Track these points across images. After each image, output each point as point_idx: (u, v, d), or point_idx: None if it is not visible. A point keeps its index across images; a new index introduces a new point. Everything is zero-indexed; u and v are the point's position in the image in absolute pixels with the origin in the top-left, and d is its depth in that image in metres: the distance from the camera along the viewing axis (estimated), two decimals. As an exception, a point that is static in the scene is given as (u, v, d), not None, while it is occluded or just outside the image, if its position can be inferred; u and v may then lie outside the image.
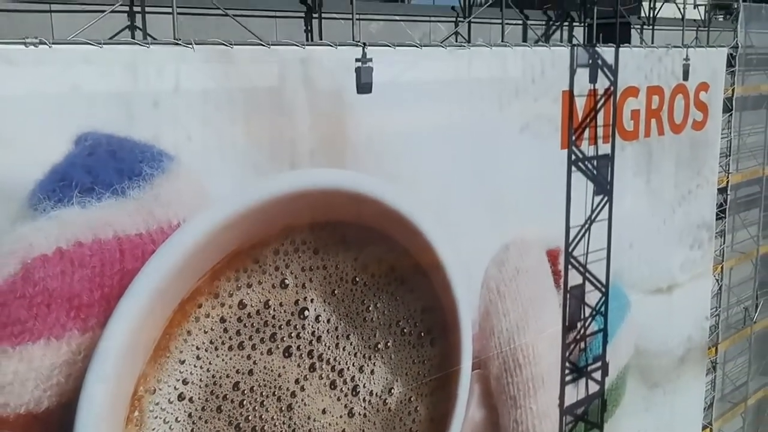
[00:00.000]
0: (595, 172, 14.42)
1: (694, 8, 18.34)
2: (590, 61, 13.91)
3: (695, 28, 17.83)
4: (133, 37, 9.18)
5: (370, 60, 10.29)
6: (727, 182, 18.51)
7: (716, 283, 18.95)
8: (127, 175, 8.35)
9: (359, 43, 10.25)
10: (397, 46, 10.76)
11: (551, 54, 13.25)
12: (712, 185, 17.92)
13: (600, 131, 14.43)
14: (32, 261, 7.76)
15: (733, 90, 18.09)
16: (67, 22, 8.77)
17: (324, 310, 10.41)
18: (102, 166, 8.17)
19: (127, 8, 8.97)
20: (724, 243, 18.98)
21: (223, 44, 8.97)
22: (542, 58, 13.10)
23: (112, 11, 8.86)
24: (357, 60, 10.20)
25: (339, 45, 10.10)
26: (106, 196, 8.20)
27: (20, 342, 7.76)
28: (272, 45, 9.44)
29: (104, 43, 8.05)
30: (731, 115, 18.30)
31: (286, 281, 9.96)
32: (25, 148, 7.64)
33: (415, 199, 11.12)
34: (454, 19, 12.84)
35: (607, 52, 14.23)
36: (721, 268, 18.90)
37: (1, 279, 7.61)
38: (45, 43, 7.60)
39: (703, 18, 17.89)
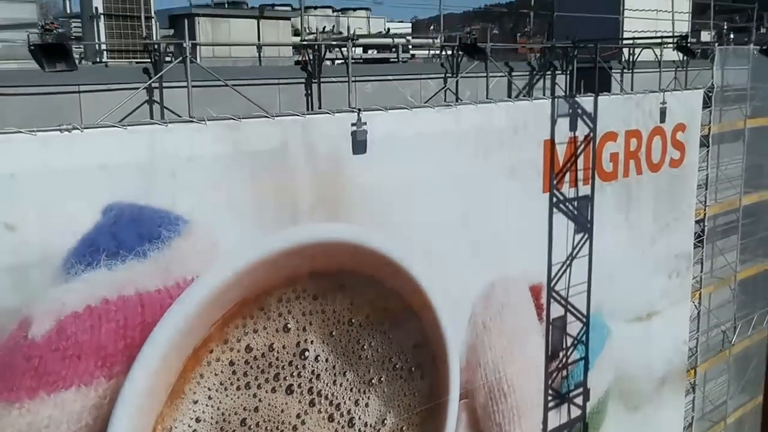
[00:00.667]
0: (575, 212, 15.47)
1: (673, 50, 19.38)
2: (570, 111, 14.97)
3: (673, 69, 18.90)
4: (151, 110, 10.24)
5: (365, 123, 11.34)
6: (704, 214, 19.54)
7: (695, 309, 19.98)
8: (147, 238, 9.40)
9: (354, 109, 11.31)
10: (390, 109, 11.81)
11: (533, 106, 14.31)
12: (690, 217, 18.96)
13: (580, 174, 15.49)
14: (65, 318, 8.82)
15: (709, 128, 19.14)
16: (93, 97, 9.84)
17: (323, 350, 11.46)
18: (126, 232, 9.22)
19: (147, 85, 10.01)
20: (702, 270, 20.01)
21: (232, 118, 10.02)
22: (525, 110, 14.17)
23: (130, 87, 9.94)
24: (353, 124, 11.25)
25: (336, 112, 11.16)
26: (129, 258, 9.25)
27: (55, 390, 8.81)
28: (276, 116, 10.49)
29: (129, 125, 9.11)
30: (708, 150, 19.34)
31: (289, 325, 11.01)
32: (60, 221, 8.69)
33: (406, 246, 12.16)
34: (443, 75, 13.89)
35: (586, 101, 15.29)
36: (699, 294, 19.93)
37: (39, 335, 8.66)
38: (77, 128, 8.66)
39: (680, 59, 18.93)
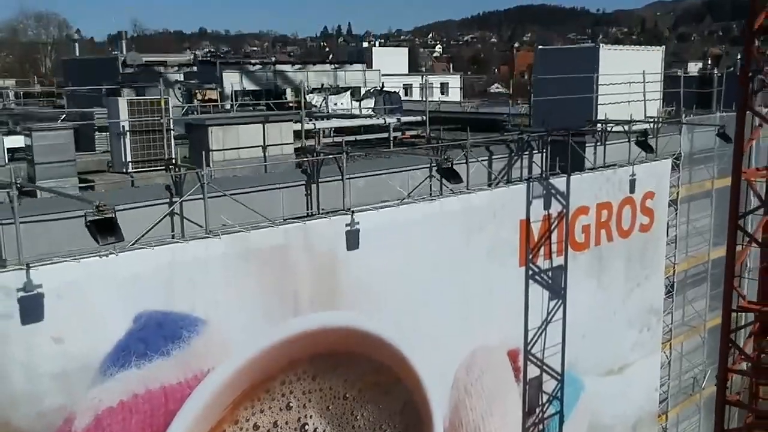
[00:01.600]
0: (550, 281, 17.07)
1: (645, 118, 21.03)
2: (544, 192, 16.58)
3: (644, 138, 20.49)
4: (172, 221, 11.82)
5: (357, 223, 12.94)
6: (674, 270, 21.15)
7: (666, 357, 21.57)
8: (170, 339, 10.98)
9: (347, 211, 12.90)
10: (379, 207, 13.40)
11: (510, 191, 15.93)
12: (660, 274, 20.56)
13: (554, 246, 17.08)
14: (101, 413, 10.39)
15: (678, 192, 20.76)
16: (124, 214, 11.41)
17: (320, 423, 13.03)
18: (152, 335, 10.80)
19: (170, 210, 11.58)
20: (672, 321, 21.60)
21: (242, 230, 11.61)
22: (502, 195, 15.78)
23: (155, 204, 11.54)
24: (346, 224, 12.85)
25: (331, 214, 12.75)
26: (155, 357, 10.82)
27: (94, 473, 10.37)
28: (279, 224, 12.08)
29: (155, 245, 10.70)
30: (677, 211, 20.96)
31: (291, 404, 12.59)
32: (98, 331, 10.27)
33: (395, 324, 13.74)
34: (428, 165, 15.48)
35: (559, 181, 16.90)
36: (670, 344, 21.52)
37: (80, 428, 10.22)
38: (113, 253, 10.24)
39: (650, 127, 20.54)
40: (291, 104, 25.25)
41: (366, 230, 13.08)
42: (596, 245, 18.24)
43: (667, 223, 20.68)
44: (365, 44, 75.11)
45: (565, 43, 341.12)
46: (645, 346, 20.35)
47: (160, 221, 11.56)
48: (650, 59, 22.06)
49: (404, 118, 19.21)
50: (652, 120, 20.57)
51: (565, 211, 17.08)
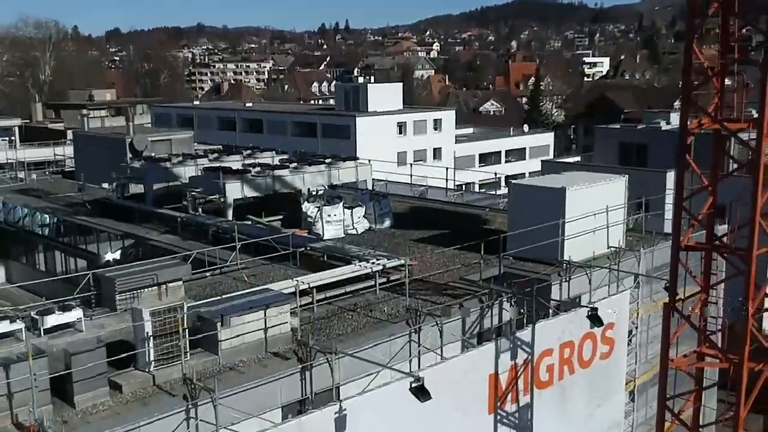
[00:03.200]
0: (517, 421, 19.38)
1: (608, 248, 23.31)
2: (511, 345, 18.85)
3: (607, 265, 22.73)
4: (188, 425, 14.10)
5: (345, 409, 15.19)
6: (634, 384, 23.46)
7: (629, 463, 23.91)
8: None
9: (336, 402, 15.16)
10: (363, 392, 15.67)
11: (479, 352, 18.20)
12: (620, 392, 22.85)
13: (521, 388, 19.37)
14: None
15: (638, 313, 23.04)
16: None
17: None
18: None
19: (185, 417, 13.87)
20: (634, 423, 23.92)
21: (247, 437, 13.90)
22: (473, 356, 18.05)
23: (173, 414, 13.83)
24: (335, 413, 15.12)
25: (323, 407, 15.02)
26: None
27: None
28: (278, 424, 14.34)
29: (175, 466, 12.98)
30: (637, 330, 23.23)
31: None
32: None
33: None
34: (407, 332, 17.74)
35: (525, 332, 19.17)
36: (633, 446, 23.87)
37: None
38: (141, 479, 12.52)
39: (613, 260, 22.79)
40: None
41: (352, 413, 15.34)
42: (559, 380, 20.52)
43: (628, 341, 22.96)
44: (360, 79, 77.31)
45: (562, 42, 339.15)
46: (607, 456, 22.66)
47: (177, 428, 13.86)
48: (615, 189, 24.26)
49: (389, 263, 21.35)
50: (613, 251, 22.80)
51: (530, 357, 19.36)
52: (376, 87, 69.69)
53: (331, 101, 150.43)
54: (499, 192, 75.74)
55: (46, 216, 32.48)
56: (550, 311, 20.43)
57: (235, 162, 33.53)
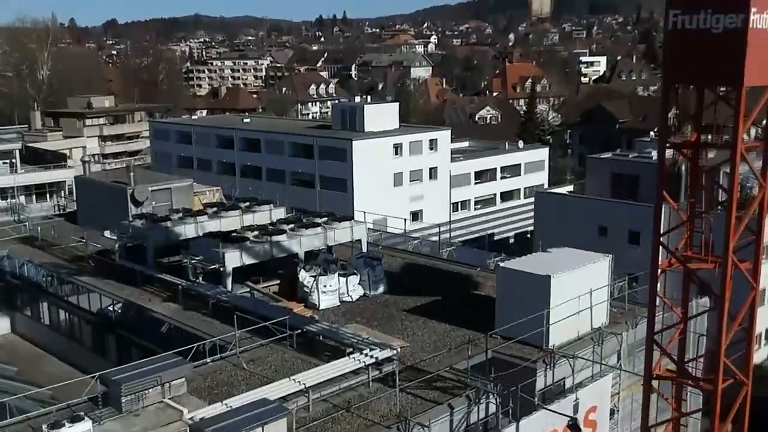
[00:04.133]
0: None
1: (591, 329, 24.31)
2: (496, 444, 19.91)
3: (590, 351, 23.76)
4: None
5: None
6: (617, 459, 24.55)
7: None
8: None
9: None
10: None
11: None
12: (603, 467, 23.95)
13: (506, 481, 20.44)
14: None
15: (618, 396, 24.10)
16: None
17: None
18: None
19: None
20: (616, 496, 25.04)
21: None
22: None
23: None
24: None
25: None
26: None
27: None
28: None
29: None
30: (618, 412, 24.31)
31: None
32: None
33: None
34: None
35: (510, 429, 20.21)
36: None
37: None
38: None
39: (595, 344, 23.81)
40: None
41: None
42: (544, 468, 21.59)
43: (610, 416, 24.05)
44: (357, 99, 77.60)
45: (560, 34, 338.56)
46: None
47: None
48: (599, 270, 25.24)
49: (381, 355, 22.31)
50: (595, 334, 23.81)
51: (516, 459, 20.42)
52: (372, 108, 70.38)
53: (329, 104, 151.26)
54: (494, 208, 77.29)
55: (50, 274, 33.39)
56: (535, 403, 21.47)
57: (233, 217, 34.49)
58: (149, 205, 37.97)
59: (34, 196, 65.71)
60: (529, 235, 72.88)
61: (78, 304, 32.45)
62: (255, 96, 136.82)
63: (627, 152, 58.20)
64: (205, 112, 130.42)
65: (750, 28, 14.73)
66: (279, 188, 70.59)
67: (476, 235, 74.93)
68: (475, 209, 75.78)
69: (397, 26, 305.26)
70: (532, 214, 59.66)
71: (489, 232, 75.94)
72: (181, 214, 34.07)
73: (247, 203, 36.39)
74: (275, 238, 30.35)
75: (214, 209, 35.28)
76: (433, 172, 70.80)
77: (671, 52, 16.13)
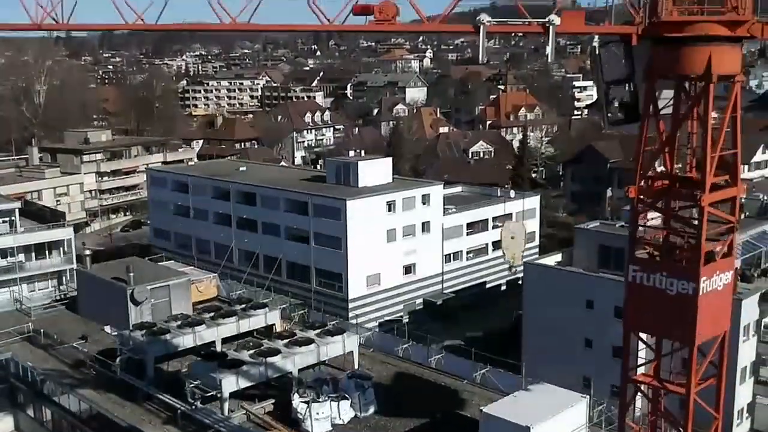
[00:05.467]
0: None
1: None
2: None
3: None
4: None
5: None
6: None
7: None
8: None
9: None
10: None
11: None
12: None
13: None
14: None
15: None
16: None
17: None
18: None
19: None
20: None
21: None
22: None
23: None
24: None
25: None
26: None
27: None
28: None
29: None
30: None
31: None
32: None
33: None
34: None
35: None
36: None
37: None
38: None
39: None
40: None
41: None
42: None
43: None
44: (351, 152, 78.82)
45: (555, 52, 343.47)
46: None
47: None
48: (576, 413, 26.60)
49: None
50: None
51: None
52: (366, 164, 71.59)
53: (324, 131, 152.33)
54: (486, 257, 78.42)
55: (52, 384, 34.61)
56: None
57: (230, 324, 35.81)
58: (148, 303, 39.21)
59: (33, 254, 67.03)
60: (520, 281, 74.21)
61: (80, 414, 33.69)
62: (251, 126, 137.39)
63: (614, 222, 59.43)
64: (201, 142, 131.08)
65: (700, 295, 16.03)
66: (275, 241, 72.08)
67: (469, 284, 76.42)
68: (467, 259, 76.98)
69: (392, 40, 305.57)
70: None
71: (481, 281, 77.39)
72: (179, 322, 35.33)
73: (243, 306, 37.67)
74: (270, 359, 31.63)
75: (211, 314, 36.54)
76: (425, 226, 72.01)
77: (631, 302, 17.44)
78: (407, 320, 68.98)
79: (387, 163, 73.75)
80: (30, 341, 39.59)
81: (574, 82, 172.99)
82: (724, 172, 17.12)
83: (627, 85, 18.27)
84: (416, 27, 25.29)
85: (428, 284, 73.02)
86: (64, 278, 57.12)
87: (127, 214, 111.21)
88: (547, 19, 17.60)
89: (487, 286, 78.26)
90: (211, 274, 46.48)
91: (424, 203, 71.83)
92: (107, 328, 39.56)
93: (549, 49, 17.91)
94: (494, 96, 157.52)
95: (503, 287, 79.41)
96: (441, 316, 70.74)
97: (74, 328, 40.77)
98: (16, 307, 45.36)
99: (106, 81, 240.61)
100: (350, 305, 66.70)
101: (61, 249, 67.28)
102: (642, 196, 17.58)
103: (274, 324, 37.57)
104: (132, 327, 35.80)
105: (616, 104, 18.73)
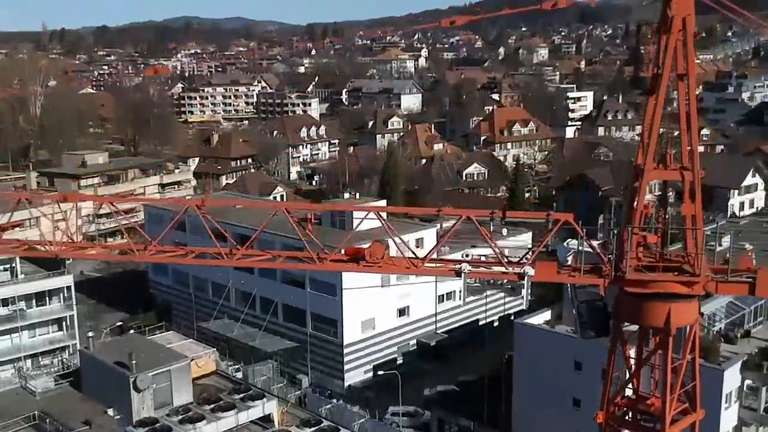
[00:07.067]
0: None
1: None
2: None
3: None
4: None
5: None
6: None
7: None
8: None
9: None
10: None
11: None
12: None
13: None
14: None
15: None
16: None
17: None
18: None
19: None
20: None
21: None
22: None
23: None
24: None
25: None
26: None
27: None
28: None
29: None
30: None
31: None
32: None
33: None
34: None
35: None
36: None
37: None
38: None
39: None
40: None
41: None
42: None
43: None
44: (346, 195, 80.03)
45: (549, 49, 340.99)
46: None
47: None
48: None
49: None
50: None
51: None
52: (360, 214, 72.81)
53: (319, 145, 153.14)
54: (479, 296, 79.72)
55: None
56: None
57: (229, 417, 37.27)
58: (150, 390, 40.65)
59: (34, 301, 68.39)
60: (513, 317, 75.56)
61: None
62: (245, 141, 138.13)
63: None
64: (197, 160, 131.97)
65: None
66: (271, 284, 73.20)
67: (462, 322, 77.84)
68: (460, 299, 78.36)
69: (388, 38, 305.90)
70: (514, 297, 62.37)
71: (474, 318, 78.83)
72: (180, 417, 36.79)
73: (241, 396, 39.11)
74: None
75: (211, 407, 38.01)
76: (419, 269, 73.44)
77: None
78: (400, 361, 70.70)
79: (380, 206, 75.03)
80: (36, 429, 40.97)
81: (568, 93, 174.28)
82: (685, 401, 18.54)
83: (598, 303, 19.72)
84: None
85: (422, 325, 74.43)
86: (67, 351, 59.23)
87: (124, 237, 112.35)
88: (522, 270, 18.99)
89: (480, 323, 79.75)
90: (210, 349, 47.81)
91: (417, 246, 73.15)
92: (110, 411, 40.98)
93: (524, 296, 19.32)
94: (489, 107, 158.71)
95: (496, 323, 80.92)
96: (434, 357, 72.32)
97: (79, 409, 42.16)
98: (21, 384, 46.64)
99: (102, 85, 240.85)
100: (345, 350, 68.14)
101: (61, 295, 69.01)
102: (609, 421, 19.29)
103: (271, 413, 39.04)
104: (135, 424, 37.25)
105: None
